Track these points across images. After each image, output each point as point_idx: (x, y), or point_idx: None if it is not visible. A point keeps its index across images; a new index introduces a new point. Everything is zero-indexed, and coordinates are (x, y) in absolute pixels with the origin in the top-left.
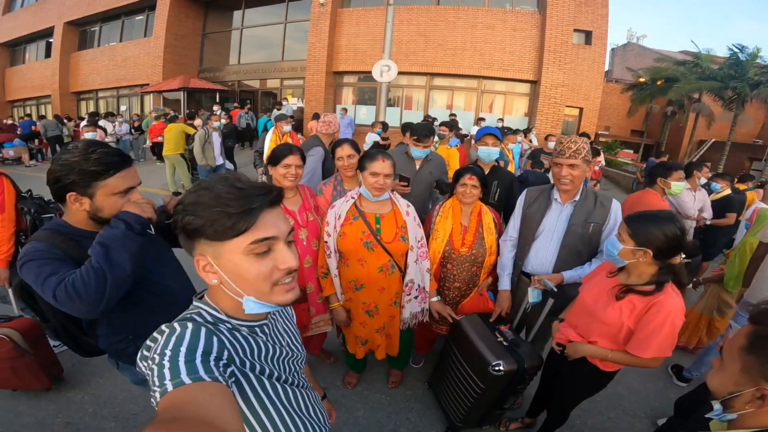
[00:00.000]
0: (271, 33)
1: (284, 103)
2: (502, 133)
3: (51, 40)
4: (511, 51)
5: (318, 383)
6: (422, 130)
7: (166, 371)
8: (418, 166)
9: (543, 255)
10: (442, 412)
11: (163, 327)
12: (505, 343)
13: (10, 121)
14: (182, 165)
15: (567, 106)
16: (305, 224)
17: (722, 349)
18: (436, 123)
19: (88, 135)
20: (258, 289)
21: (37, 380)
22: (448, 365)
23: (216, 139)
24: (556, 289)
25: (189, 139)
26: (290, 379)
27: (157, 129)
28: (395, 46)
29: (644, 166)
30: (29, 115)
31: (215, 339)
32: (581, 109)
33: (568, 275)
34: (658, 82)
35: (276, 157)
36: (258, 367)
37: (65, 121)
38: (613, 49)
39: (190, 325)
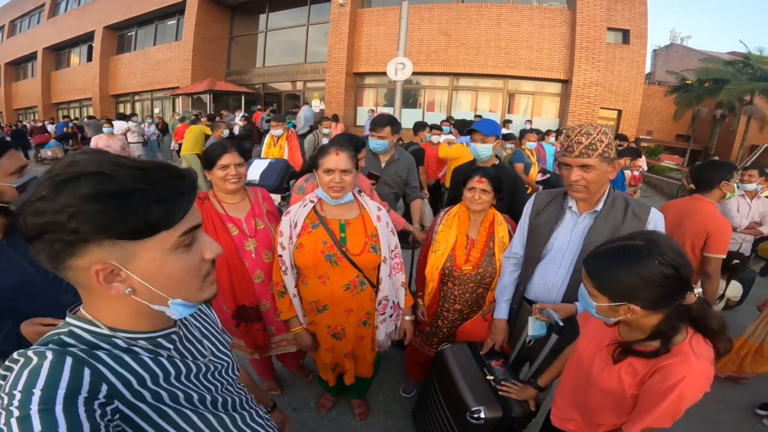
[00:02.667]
0: (294, 36)
1: (305, 106)
2: (521, 133)
3: (92, 44)
4: (539, 49)
5: (290, 402)
6: (378, 119)
7: (14, 423)
8: (383, 164)
9: (549, 280)
10: None
11: (15, 355)
12: (493, 384)
13: (39, 124)
14: (197, 164)
15: (603, 108)
16: (253, 234)
17: None
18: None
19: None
20: (188, 287)
21: None
22: (428, 399)
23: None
24: (562, 324)
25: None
26: (219, 399)
27: (181, 131)
28: (416, 46)
29: (690, 170)
30: (66, 117)
31: (86, 371)
32: (620, 112)
33: None
34: (706, 84)
35: (209, 160)
36: (165, 395)
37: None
38: (654, 51)
39: (49, 354)
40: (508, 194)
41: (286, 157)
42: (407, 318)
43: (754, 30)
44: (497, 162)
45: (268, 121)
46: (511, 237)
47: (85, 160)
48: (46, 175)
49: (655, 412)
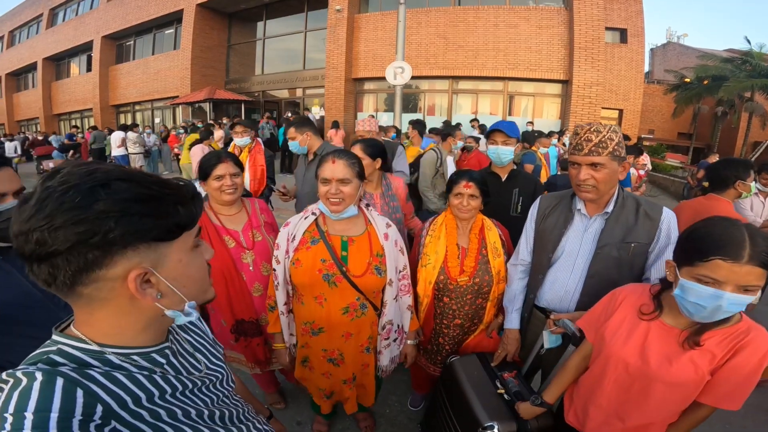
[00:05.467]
0: (292, 43)
1: (307, 112)
2: (533, 137)
3: (91, 54)
4: (538, 50)
5: (294, 416)
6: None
7: None
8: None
9: (561, 287)
10: None
11: (4, 375)
12: (506, 396)
13: (41, 137)
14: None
15: (604, 108)
16: (251, 246)
17: None
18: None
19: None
20: (200, 287)
21: None
22: (438, 414)
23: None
24: (579, 334)
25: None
26: (216, 412)
27: (172, 142)
28: (414, 50)
29: (696, 169)
30: (75, 127)
31: (79, 392)
32: (621, 111)
33: None
34: (705, 82)
35: (204, 170)
36: (163, 413)
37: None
38: (652, 49)
39: (39, 375)
40: (529, 201)
41: (247, 174)
42: (410, 342)
43: (748, 27)
44: (515, 167)
45: (231, 126)
46: (503, 242)
47: (104, 168)
48: (62, 186)
49: (752, 383)
